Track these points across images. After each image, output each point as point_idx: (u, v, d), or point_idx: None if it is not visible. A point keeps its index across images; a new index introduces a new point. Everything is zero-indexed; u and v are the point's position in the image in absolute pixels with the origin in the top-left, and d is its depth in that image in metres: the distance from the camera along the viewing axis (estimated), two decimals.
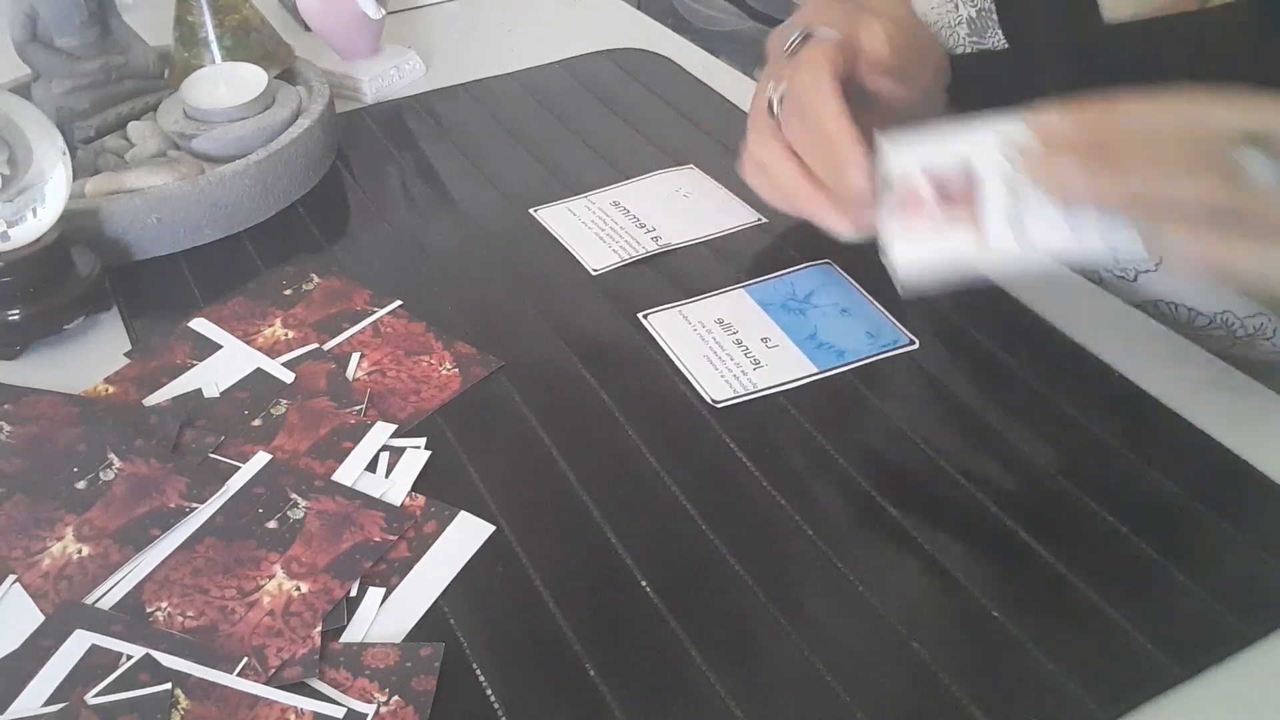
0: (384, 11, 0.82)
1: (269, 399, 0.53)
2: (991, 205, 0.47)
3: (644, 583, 0.43)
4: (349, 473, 0.48)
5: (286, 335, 0.57)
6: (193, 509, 0.46)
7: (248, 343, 0.56)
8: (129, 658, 0.40)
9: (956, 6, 0.58)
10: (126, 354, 0.56)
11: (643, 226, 0.65)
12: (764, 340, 0.56)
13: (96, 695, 0.39)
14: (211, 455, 0.49)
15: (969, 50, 0.59)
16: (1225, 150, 0.39)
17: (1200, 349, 0.55)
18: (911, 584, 0.43)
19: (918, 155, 0.49)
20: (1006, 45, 0.56)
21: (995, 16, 0.56)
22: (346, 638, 0.42)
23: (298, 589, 0.43)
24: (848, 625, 0.42)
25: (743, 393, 0.53)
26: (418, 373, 0.54)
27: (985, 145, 0.47)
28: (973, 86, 0.62)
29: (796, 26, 0.56)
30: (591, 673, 0.40)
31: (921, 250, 0.48)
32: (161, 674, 0.40)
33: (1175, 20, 0.49)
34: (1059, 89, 0.55)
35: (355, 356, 0.56)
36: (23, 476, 0.48)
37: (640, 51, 0.89)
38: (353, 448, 0.50)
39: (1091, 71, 0.53)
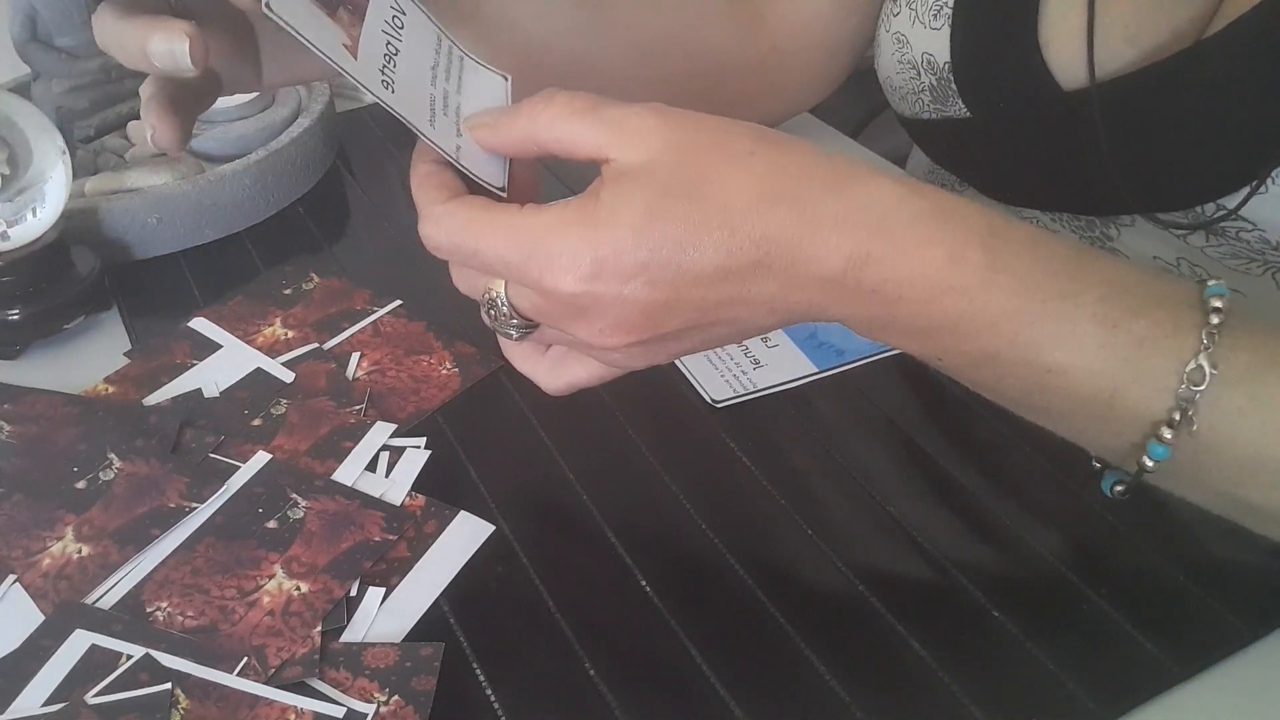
0: None
1: (269, 399, 0.53)
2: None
3: (644, 583, 0.43)
4: (349, 473, 0.48)
5: (286, 335, 0.57)
6: (193, 509, 0.46)
7: (248, 342, 0.56)
8: (129, 658, 0.40)
9: (918, 74, 0.58)
10: (126, 354, 0.56)
11: None
12: (764, 339, 0.56)
13: (96, 695, 0.39)
14: (211, 455, 0.49)
15: (934, 117, 0.59)
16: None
17: None
18: (911, 584, 0.43)
19: None
20: (969, 114, 0.56)
21: (954, 87, 0.56)
22: (346, 638, 0.42)
23: (298, 589, 0.43)
24: (848, 625, 0.42)
25: (743, 392, 0.53)
26: (418, 372, 0.54)
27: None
28: (940, 149, 0.63)
29: None
30: (591, 673, 0.40)
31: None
32: (161, 674, 0.40)
33: (1129, 81, 0.48)
34: (1022, 156, 0.55)
35: (355, 356, 0.56)
36: (23, 476, 0.48)
37: None
38: (353, 447, 0.50)
39: (1052, 140, 0.53)
